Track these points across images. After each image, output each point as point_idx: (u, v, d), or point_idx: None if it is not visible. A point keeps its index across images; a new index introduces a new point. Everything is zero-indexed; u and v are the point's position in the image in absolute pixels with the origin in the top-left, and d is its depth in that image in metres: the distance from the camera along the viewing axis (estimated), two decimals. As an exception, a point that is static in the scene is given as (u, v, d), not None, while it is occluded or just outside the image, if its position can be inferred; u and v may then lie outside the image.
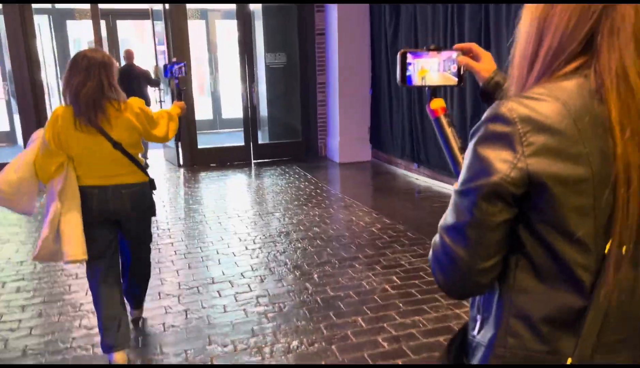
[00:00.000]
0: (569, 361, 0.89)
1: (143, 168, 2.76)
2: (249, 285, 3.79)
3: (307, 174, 7.41)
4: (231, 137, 10.30)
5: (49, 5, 10.19)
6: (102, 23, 9.99)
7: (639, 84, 0.83)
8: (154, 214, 2.92)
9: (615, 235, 0.85)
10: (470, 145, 0.91)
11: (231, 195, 6.48)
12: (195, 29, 11.05)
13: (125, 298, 2.96)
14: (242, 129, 8.29)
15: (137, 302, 3.22)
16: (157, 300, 3.58)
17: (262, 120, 8.91)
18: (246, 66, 7.98)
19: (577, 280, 0.88)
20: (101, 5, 8.18)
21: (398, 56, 1.23)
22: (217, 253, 4.48)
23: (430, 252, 0.99)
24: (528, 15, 0.93)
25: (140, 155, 2.78)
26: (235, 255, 4.39)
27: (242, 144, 8.23)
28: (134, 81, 7.60)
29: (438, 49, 1.22)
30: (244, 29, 7.95)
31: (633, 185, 0.82)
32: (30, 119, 7.23)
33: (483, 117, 0.90)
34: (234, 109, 10.41)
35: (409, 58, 1.21)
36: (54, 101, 10.04)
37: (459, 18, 5.55)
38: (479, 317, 1.01)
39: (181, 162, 7.93)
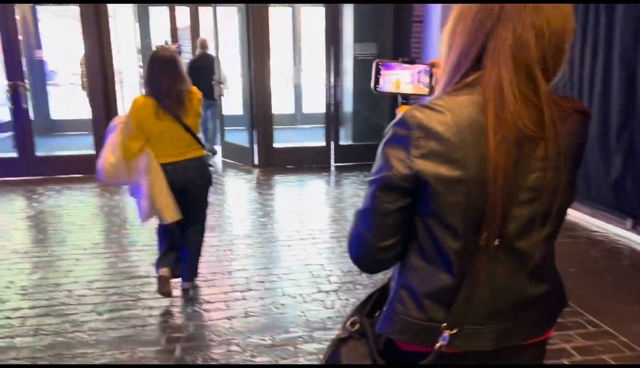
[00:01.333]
0: (444, 325, 1.04)
1: (202, 144, 3.23)
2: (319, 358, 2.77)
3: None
4: (312, 134, 9.33)
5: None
6: (186, 10, 9.37)
7: (511, 97, 0.95)
8: (211, 183, 3.37)
9: (485, 228, 0.99)
10: (381, 143, 1.05)
11: (306, 208, 5.45)
12: (279, 17, 10.16)
13: (181, 271, 3.41)
14: (324, 125, 7.28)
15: (191, 271, 3.46)
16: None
17: (345, 118, 7.83)
18: (331, 57, 6.93)
19: (449, 262, 1.03)
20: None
21: (373, 65, 1.40)
22: (283, 294, 3.48)
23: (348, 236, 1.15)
24: (445, 30, 1.05)
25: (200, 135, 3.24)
26: (304, 300, 3.38)
27: (323, 144, 7.21)
28: (203, 70, 7.11)
29: (411, 61, 1.38)
30: (332, 17, 6.90)
31: (497, 184, 0.96)
32: (99, 106, 6.59)
33: (393, 121, 1.05)
34: (316, 103, 9.44)
35: (381, 69, 1.39)
36: (130, 89, 9.55)
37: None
38: (391, 283, 1.17)
39: (256, 162, 7.05)
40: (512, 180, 0.97)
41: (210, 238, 4.43)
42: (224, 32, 11.56)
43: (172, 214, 3.10)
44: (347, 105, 7.62)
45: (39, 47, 9.54)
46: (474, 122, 0.96)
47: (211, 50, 7.64)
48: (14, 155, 6.63)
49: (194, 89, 3.14)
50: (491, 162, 0.95)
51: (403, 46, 6.90)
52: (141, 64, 9.85)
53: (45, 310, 3.28)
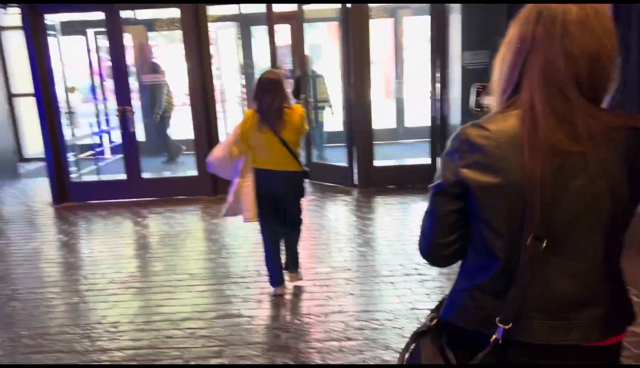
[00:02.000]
0: (498, 319, 1.13)
1: (299, 161, 3.47)
2: None
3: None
4: (415, 150, 8.73)
5: (236, 11, 9.70)
6: (288, 27, 9.23)
7: (542, 115, 1.07)
8: (303, 196, 3.62)
9: (527, 230, 1.10)
10: (442, 157, 1.23)
11: (411, 237, 4.83)
12: (380, 28, 9.69)
13: (287, 268, 3.77)
14: (429, 140, 6.66)
15: (294, 265, 3.80)
16: None
17: (452, 132, 7.10)
18: (437, 67, 6.33)
19: (497, 260, 1.15)
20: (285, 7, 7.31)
21: (472, 89, 1.49)
22: (386, 348, 2.98)
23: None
24: (497, 57, 1.20)
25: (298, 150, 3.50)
26: None
27: (427, 161, 6.59)
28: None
29: None
30: (437, 25, 6.31)
31: (533, 190, 1.07)
32: (200, 127, 6.52)
33: (451, 136, 1.21)
34: (419, 117, 8.83)
35: (482, 92, 1.45)
36: (233, 107, 9.56)
37: None
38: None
39: (355, 182, 6.60)
40: (551, 186, 1.07)
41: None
42: (322, 47, 11.35)
43: (251, 216, 3.44)
44: (454, 118, 6.92)
45: (155, 71, 9.89)
46: (513, 137, 1.10)
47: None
48: (124, 177, 6.77)
49: (297, 106, 3.51)
50: (526, 171, 1.07)
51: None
52: (244, 83, 9.86)
53: (132, 354, 3.06)
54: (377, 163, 6.65)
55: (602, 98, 1.11)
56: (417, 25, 9.74)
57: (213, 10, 7.49)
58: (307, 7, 7.25)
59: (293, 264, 3.80)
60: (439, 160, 1.56)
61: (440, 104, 6.42)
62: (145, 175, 6.95)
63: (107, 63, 11.22)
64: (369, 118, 6.49)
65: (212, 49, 6.87)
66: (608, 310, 1.15)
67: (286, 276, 3.76)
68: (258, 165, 3.42)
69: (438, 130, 6.53)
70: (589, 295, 1.14)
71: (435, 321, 1.32)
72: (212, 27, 6.90)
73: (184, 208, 6.21)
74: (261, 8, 6.95)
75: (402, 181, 6.57)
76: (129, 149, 6.64)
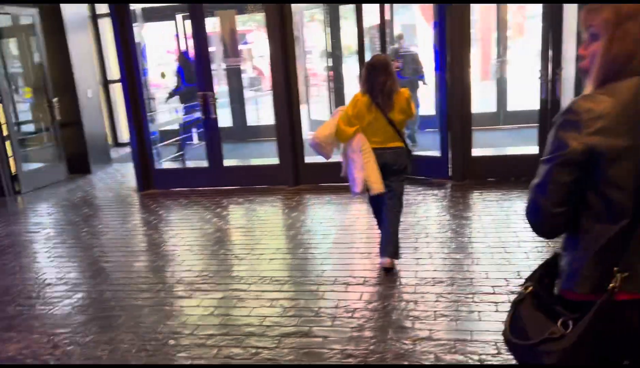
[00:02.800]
0: (616, 269, 1.24)
1: (403, 138, 3.65)
2: None
3: None
4: (518, 136, 7.74)
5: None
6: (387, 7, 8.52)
7: None
8: (408, 172, 3.74)
9: None
10: (553, 129, 1.28)
11: (516, 243, 4.04)
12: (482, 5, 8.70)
13: (384, 250, 3.69)
14: (537, 125, 5.73)
15: (389, 247, 3.66)
16: None
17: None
18: (550, 44, 5.37)
19: (621, 218, 1.23)
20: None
21: None
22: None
23: (525, 206, 1.37)
24: (603, 21, 1.25)
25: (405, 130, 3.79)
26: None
27: (535, 150, 5.66)
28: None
29: None
30: (550, -8, 5.33)
31: None
32: (283, 112, 6.05)
33: (561, 111, 1.28)
34: (523, 99, 7.80)
35: None
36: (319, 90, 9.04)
37: None
38: (563, 253, 1.38)
39: (450, 173, 5.84)
40: None
41: (388, 283, 3.46)
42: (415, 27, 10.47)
43: (379, 187, 3.58)
44: (568, 101, 5.92)
45: (236, 55, 9.62)
46: (629, 104, 1.20)
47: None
48: (206, 164, 6.51)
49: (404, 89, 3.61)
50: None
51: None
52: (330, 65, 9.31)
53: (188, 375, 2.65)
54: (475, 152, 5.84)
55: None
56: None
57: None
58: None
59: (390, 249, 3.69)
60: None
61: (552, 84, 5.46)
62: (228, 162, 6.67)
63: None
64: (468, 101, 5.68)
65: (298, 32, 6.38)
66: None
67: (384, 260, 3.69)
68: (370, 145, 3.59)
69: (549, 114, 5.58)
70: None
71: (530, 288, 1.42)
72: (296, 8, 6.37)
73: (264, 199, 5.83)
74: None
75: (505, 173, 5.72)
76: (211, 135, 6.36)
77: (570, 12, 5.48)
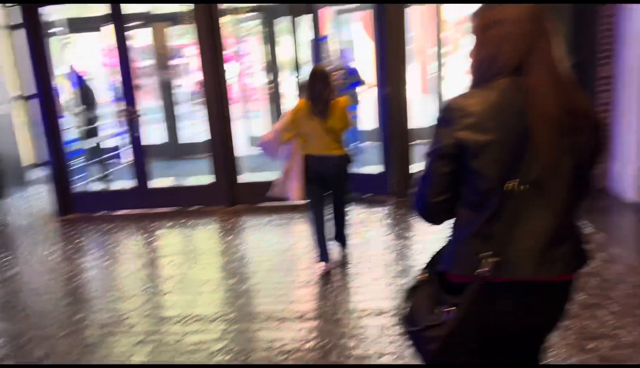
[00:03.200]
0: (488, 254, 1.32)
1: (343, 147, 3.69)
2: None
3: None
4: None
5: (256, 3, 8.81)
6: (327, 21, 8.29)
7: (546, 88, 1.29)
8: (348, 179, 3.78)
9: (518, 177, 1.30)
10: (435, 126, 1.39)
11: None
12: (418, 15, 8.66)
13: (337, 241, 3.97)
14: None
15: (343, 241, 4.00)
16: None
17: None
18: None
19: (488, 207, 1.32)
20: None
21: None
22: None
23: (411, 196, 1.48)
24: (474, 31, 1.40)
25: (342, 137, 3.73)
26: None
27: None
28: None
29: None
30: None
31: (539, 150, 1.28)
32: (217, 127, 5.65)
33: (440, 109, 1.38)
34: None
35: None
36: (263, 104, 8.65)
37: None
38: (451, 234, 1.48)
39: (390, 189, 5.60)
40: (551, 146, 1.28)
41: (328, 316, 3.12)
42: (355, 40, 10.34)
43: (298, 195, 3.68)
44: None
45: (169, 69, 9.12)
46: (502, 101, 1.30)
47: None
48: (132, 185, 5.98)
49: (342, 98, 3.69)
50: (537, 135, 1.27)
51: (586, 32, 5.04)
52: (270, 79, 8.98)
53: None
54: (413, 168, 5.64)
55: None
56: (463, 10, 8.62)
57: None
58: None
59: (341, 239, 4.00)
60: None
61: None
62: (159, 182, 6.16)
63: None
64: (405, 116, 5.49)
65: (232, 45, 5.99)
66: (574, 248, 1.39)
67: (336, 252, 3.98)
68: (309, 152, 3.64)
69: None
70: (563, 234, 1.35)
71: (426, 275, 1.51)
72: (229, 20, 6.01)
73: (196, 222, 5.37)
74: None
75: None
76: (136, 154, 5.84)
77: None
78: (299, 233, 4.76)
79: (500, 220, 1.32)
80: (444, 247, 1.50)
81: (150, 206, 5.88)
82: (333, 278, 3.70)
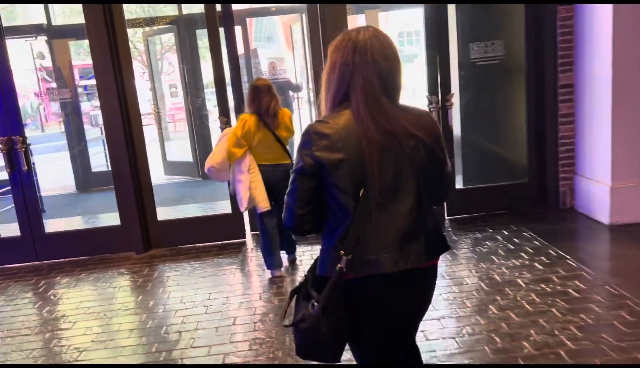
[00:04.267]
0: (341, 253, 1.47)
1: (290, 155, 3.76)
2: None
3: (548, 244, 3.91)
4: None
5: (174, 12, 7.83)
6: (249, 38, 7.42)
7: (364, 118, 1.47)
8: None
9: (368, 189, 1.47)
10: (297, 150, 1.53)
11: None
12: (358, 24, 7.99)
13: (283, 248, 4.06)
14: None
15: (291, 247, 4.11)
16: None
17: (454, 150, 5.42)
18: (437, 66, 4.60)
19: (347, 215, 1.49)
20: None
21: None
22: None
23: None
24: (324, 73, 1.57)
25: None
26: None
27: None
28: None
29: None
30: (435, 12, 4.57)
31: (372, 162, 1.46)
32: (120, 157, 4.62)
33: (302, 132, 1.52)
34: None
35: None
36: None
37: None
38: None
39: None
40: (377, 160, 1.46)
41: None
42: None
43: (266, 204, 3.70)
44: (456, 131, 5.22)
45: (72, 89, 7.90)
46: (347, 127, 1.47)
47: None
48: (18, 233, 4.78)
49: (285, 109, 3.80)
50: (366, 154, 1.45)
51: (545, 39, 4.50)
52: (190, 99, 7.97)
53: None
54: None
55: (397, 100, 1.54)
56: (406, 17, 8.08)
57: (140, 12, 5.62)
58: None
59: (290, 248, 4.12)
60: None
61: (442, 112, 4.70)
62: (57, 225, 5.01)
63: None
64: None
65: (142, 61, 4.99)
66: (428, 241, 1.55)
67: (284, 259, 4.10)
68: (260, 162, 3.70)
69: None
70: (414, 231, 1.52)
71: (304, 278, 1.63)
72: (135, 33, 5.02)
73: (99, 276, 4.27)
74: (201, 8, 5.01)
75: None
76: (23, 194, 4.66)
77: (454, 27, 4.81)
78: (229, 285, 3.82)
79: (356, 225, 1.47)
80: (317, 259, 1.62)
81: (45, 257, 4.73)
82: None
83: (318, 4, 4.51)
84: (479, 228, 4.45)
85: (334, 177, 1.46)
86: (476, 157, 5.06)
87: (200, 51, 8.11)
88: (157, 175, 8.01)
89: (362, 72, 1.46)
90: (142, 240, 4.72)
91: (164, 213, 5.24)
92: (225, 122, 4.60)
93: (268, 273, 3.92)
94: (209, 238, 4.81)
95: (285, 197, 1.55)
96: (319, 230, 1.59)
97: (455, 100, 4.69)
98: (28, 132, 4.96)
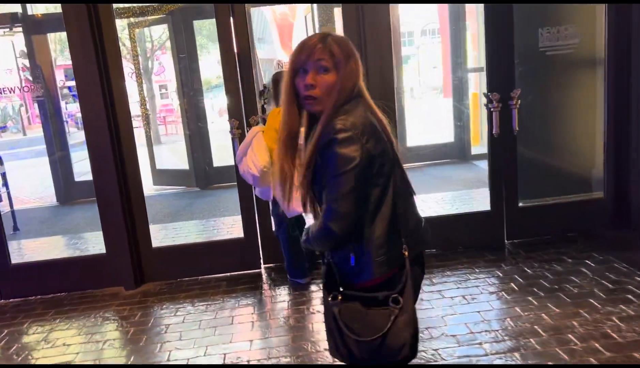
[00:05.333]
0: (403, 248, 1.47)
1: None
2: None
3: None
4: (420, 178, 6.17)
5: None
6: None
7: (377, 111, 1.50)
8: None
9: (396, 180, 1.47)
10: (330, 150, 1.38)
11: None
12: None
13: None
14: (488, 180, 4.02)
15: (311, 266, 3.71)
16: None
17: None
18: (497, 57, 3.70)
19: (380, 209, 1.46)
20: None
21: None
22: None
23: (325, 220, 1.43)
24: (337, 70, 1.45)
25: None
26: None
27: (487, 207, 3.96)
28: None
29: None
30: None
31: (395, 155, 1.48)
32: (105, 169, 3.67)
33: (329, 132, 1.40)
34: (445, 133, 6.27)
35: None
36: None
37: None
38: (352, 255, 1.48)
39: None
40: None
41: None
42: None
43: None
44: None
45: (49, 86, 6.91)
46: (368, 118, 1.46)
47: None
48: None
49: None
50: (392, 144, 1.51)
51: (633, 23, 3.62)
52: (186, 101, 7.02)
53: None
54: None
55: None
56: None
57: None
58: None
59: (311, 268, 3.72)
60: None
61: (499, 114, 3.80)
62: (28, 248, 4.05)
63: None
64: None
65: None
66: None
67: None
68: None
69: (500, 161, 3.89)
70: (422, 219, 1.58)
71: (337, 296, 1.49)
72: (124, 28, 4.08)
73: (79, 323, 3.32)
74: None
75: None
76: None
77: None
78: (251, 342, 2.88)
79: (401, 213, 1.47)
80: (333, 266, 1.53)
81: (10, 295, 3.76)
82: None
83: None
84: (553, 257, 3.56)
85: (382, 170, 1.43)
86: (536, 166, 4.15)
87: (200, 44, 7.15)
88: (146, 185, 7.05)
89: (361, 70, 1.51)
90: (133, 272, 3.76)
91: (157, 234, 4.29)
92: (237, 126, 3.67)
93: (295, 314, 3.00)
94: (216, 269, 3.87)
95: (333, 204, 1.40)
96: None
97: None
98: (7, 136, 3.99)
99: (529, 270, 3.41)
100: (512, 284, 3.24)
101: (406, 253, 1.45)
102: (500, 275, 3.39)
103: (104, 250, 3.79)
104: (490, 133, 3.76)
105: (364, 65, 1.52)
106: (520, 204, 3.94)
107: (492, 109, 3.69)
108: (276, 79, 3.40)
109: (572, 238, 3.85)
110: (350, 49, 1.47)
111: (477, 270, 3.48)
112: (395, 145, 1.50)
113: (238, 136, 3.67)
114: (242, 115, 3.73)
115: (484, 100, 3.79)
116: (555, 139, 4.19)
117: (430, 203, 5.11)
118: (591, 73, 3.94)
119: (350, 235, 1.44)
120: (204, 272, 3.86)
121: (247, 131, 3.58)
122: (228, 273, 3.86)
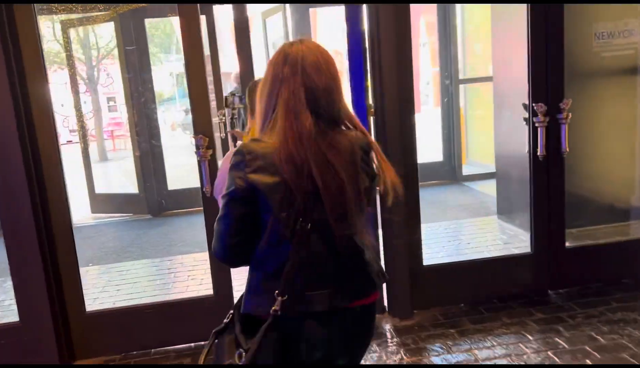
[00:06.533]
0: (276, 293, 1.25)
1: None
2: None
3: None
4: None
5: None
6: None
7: (284, 133, 1.26)
8: None
9: (298, 216, 1.25)
10: (229, 171, 1.31)
11: None
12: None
13: None
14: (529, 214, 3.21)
15: None
16: None
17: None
18: (542, 61, 2.90)
19: (283, 246, 1.27)
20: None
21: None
22: None
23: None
24: (258, 92, 1.36)
25: None
26: None
27: (513, 244, 3.13)
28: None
29: None
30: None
31: (294, 185, 1.25)
32: (12, 205, 2.59)
33: (234, 152, 1.32)
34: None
35: None
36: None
37: None
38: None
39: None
40: (303, 184, 1.25)
41: None
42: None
43: None
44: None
45: None
46: (274, 148, 1.27)
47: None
48: None
49: None
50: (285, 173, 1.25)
51: None
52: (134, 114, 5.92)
53: None
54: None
55: (339, 121, 1.32)
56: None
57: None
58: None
59: None
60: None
61: (546, 130, 3.00)
62: None
63: None
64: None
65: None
66: (369, 276, 1.34)
67: None
68: None
69: (547, 176, 3.07)
70: (350, 266, 1.32)
71: (230, 317, 1.40)
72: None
73: None
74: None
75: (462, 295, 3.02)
76: None
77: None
78: None
79: (291, 258, 1.27)
80: (243, 295, 1.42)
81: None
82: None
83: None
84: (617, 315, 2.74)
85: (271, 202, 1.27)
86: (581, 196, 3.36)
87: (152, 49, 6.09)
88: (82, 214, 5.89)
89: (289, 84, 1.29)
90: (58, 346, 2.68)
91: (96, 280, 3.21)
92: (206, 145, 2.68)
93: None
94: (179, 338, 2.84)
95: (215, 224, 1.35)
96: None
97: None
98: None
99: (590, 330, 2.58)
100: (588, 360, 2.38)
101: (277, 302, 1.26)
102: (567, 346, 2.52)
103: (17, 318, 2.69)
104: (534, 154, 2.95)
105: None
106: (567, 244, 3.12)
107: (536, 124, 2.88)
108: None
109: (629, 286, 3.07)
110: (267, 64, 1.38)
111: (530, 337, 2.62)
112: (350, 183, 1.28)
113: (208, 158, 2.69)
114: (212, 132, 2.76)
115: (524, 112, 2.97)
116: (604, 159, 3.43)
117: (440, 239, 4.23)
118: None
119: (237, 259, 1.38)
120: (162, 343, 2.83)
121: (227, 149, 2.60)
122: (193, 344, 2.83)
